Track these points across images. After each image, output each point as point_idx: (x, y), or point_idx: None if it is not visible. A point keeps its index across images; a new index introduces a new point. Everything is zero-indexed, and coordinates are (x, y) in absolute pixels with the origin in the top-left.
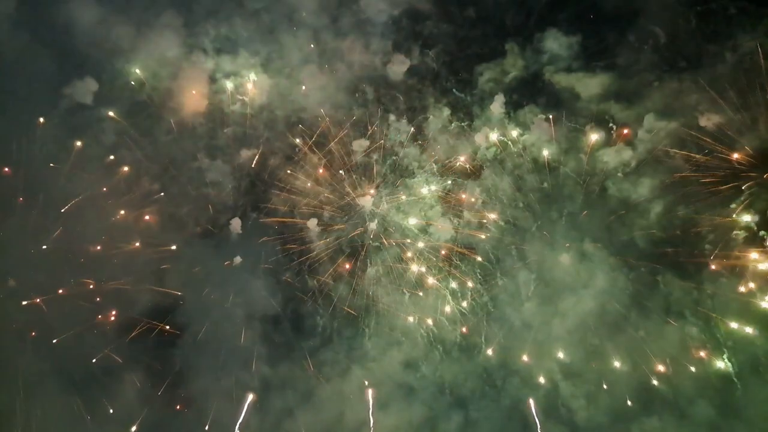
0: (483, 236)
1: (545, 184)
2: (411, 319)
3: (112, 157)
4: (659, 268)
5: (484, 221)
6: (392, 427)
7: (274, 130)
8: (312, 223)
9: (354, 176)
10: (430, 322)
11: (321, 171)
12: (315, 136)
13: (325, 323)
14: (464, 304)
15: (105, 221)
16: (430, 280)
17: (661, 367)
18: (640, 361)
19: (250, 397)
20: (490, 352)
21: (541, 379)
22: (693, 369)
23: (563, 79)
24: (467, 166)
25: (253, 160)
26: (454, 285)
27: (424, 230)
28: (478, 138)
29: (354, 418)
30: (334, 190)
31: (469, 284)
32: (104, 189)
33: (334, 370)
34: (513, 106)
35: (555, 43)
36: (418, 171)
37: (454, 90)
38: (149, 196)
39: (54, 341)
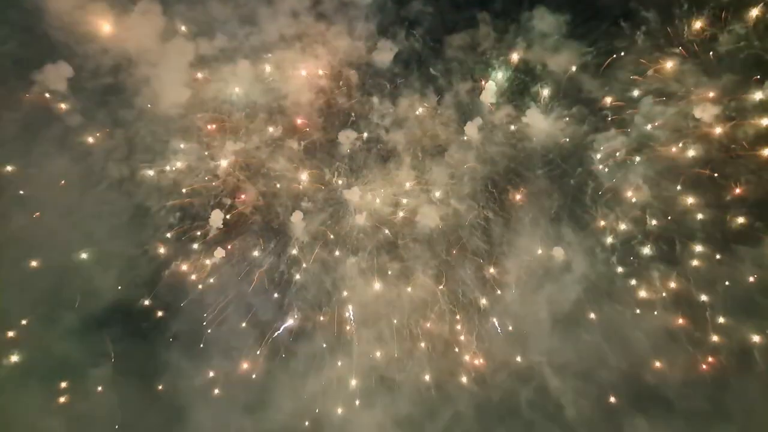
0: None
1: (539, 171)
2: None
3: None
4: (651, 259)
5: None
6: (376, 424)
7: (253, 117)
8: (297, 217)
9: (338, 164)
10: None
11: (305, 162)
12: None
13: (307, 316)
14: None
15: (76, 212)
16: (417, 274)
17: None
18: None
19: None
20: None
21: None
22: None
23: (553, 63)
24: (455, 155)
25: (233, 149)
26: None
27: (409, 221)
28: (468, 128)
29: (335, 411)
30: (318, 182)
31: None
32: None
33: (315, 363)
34: (502, 93)
35: (544, 23)
36: (402, 155)
37: (436, 73)
38: (123, 186)
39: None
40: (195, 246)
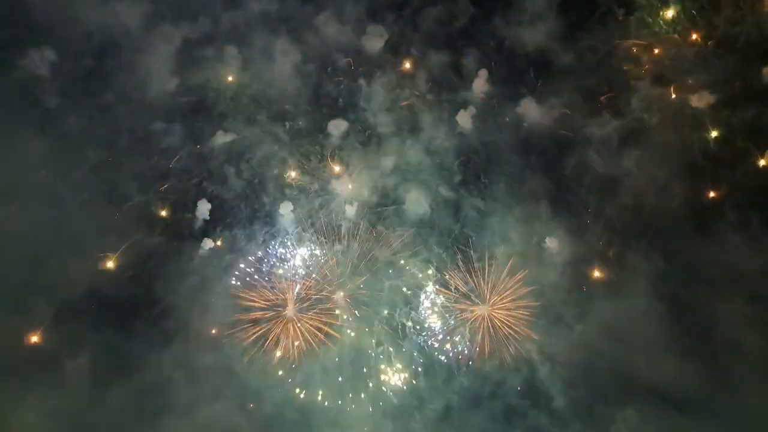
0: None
1: (531, 159)
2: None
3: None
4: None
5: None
6: (365, 414)
7: (239, 104)
8: (285, 208)
9: (326, 154)
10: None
11: (293, 151)
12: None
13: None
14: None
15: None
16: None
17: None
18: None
19: None
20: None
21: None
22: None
23: (548, 50)
24: (446, 143)
25: (219, 138)
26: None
27: (398, 209)
28: (461, 118)
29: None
30: (306, 173)
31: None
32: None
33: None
34: (496, 80)
35: (537, 7)
36: (392, 142)
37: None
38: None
39: None
40: (182, 236)
